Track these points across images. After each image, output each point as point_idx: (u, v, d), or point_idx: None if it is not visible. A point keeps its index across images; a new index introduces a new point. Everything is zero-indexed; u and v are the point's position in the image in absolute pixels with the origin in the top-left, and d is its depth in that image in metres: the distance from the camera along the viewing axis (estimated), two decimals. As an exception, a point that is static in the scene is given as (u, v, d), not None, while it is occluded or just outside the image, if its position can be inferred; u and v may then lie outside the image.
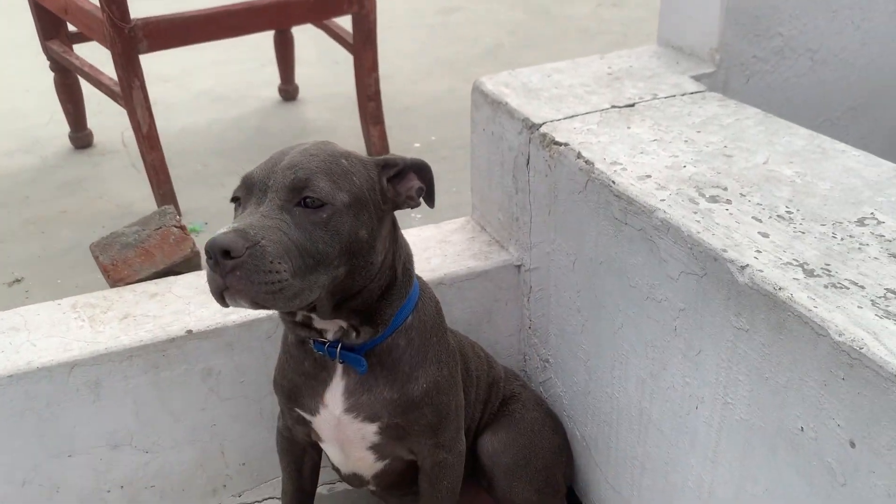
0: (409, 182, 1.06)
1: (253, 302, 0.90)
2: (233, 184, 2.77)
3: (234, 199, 1.01)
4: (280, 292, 0.90)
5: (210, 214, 2.46)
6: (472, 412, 1.32)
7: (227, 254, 0.87)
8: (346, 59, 3.67)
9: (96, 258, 1.58)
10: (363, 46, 2.55)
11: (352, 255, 0.98)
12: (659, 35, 1.71)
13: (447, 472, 1.21)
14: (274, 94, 3.40)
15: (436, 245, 1.61)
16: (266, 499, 1.54)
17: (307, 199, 0.95)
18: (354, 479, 1.25)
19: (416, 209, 1.17)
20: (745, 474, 0.98)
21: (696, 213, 1.04)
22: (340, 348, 1.07)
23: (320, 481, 1.38)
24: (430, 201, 1.09)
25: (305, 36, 3.30)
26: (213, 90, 3.52)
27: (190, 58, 3.80)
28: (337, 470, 1.27)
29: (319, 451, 1.32)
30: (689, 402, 1.07)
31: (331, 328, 1.07)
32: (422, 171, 1.07)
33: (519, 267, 1.53)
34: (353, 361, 1.08)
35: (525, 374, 1.61)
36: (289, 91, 3.36)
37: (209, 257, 0.89)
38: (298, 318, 1.06)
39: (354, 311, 1.05)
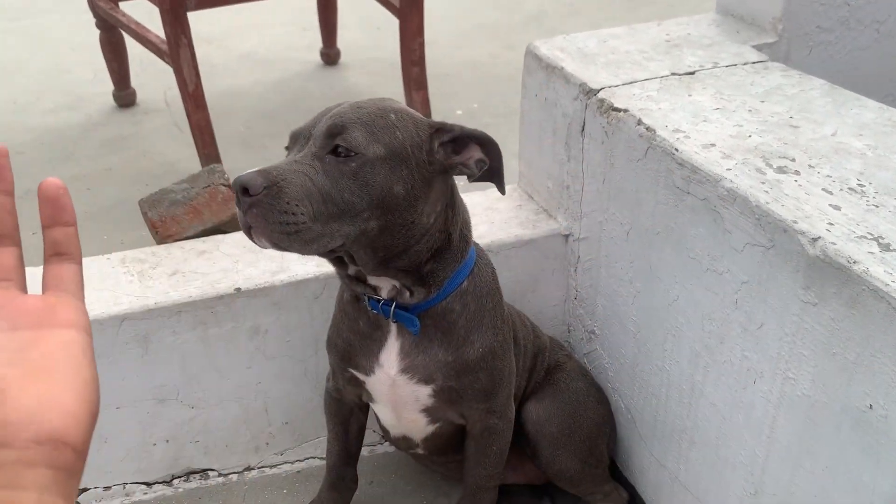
0: (469, 152, 1.03)
1: (270, 241, 0.92)
2: (275, 146, 2.78)
3: (287, 149, 1.03)
4: (296, 234, 0.91)
5: (253, 176, 2.46)
6: (518, 380, 1.31)
7: (245, 191, 0.89)
8: (386, 25, 3.64)
9: (145, 214, 1.59)
10: (409, 10, 2.51)
11: (385, 211, 0.96)
12: (718, 3, 1.66)
13: (497, 437, 1.21)
14: (315, 57, 3.38)
15: (482, 212, 1.59)
16: (307, 458, 1.56)
17: (338, 148, 0.95)
18: (403, 442, 1.25)
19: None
20: (803, 450, 0.96)
21: (763, 183, 1.01)
22: (395, 307, 1.06)
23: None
24: (500, 185, 1.06)
25: (346, 1, 3.27)
26: (256, 52, 3.51)
27: (232, 20, 3.79)
28: (385, 432, 1.27)
29: (366, 412, 1.32)
30: (746, 376, 1.05)
31: (384, 286, 1.07)
32: (487, 147, 1.03)
33: (567, 236, 1.51)
34: (405, 321, 1.08)
35: (569, 345, 1.60)
36: (330, 55, 3.33)
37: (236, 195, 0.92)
38: (352, 271, 1.06)
39: (403, 270, 1.04)
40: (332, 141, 0.95)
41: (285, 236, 0.91)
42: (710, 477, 1.18)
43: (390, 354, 1.11)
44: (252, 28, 3.76)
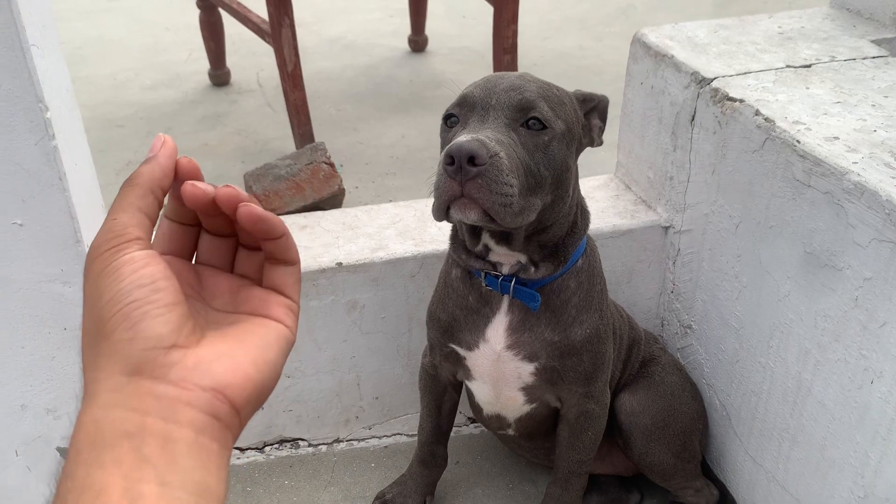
0: (593, 120, 1.06)
1: (484, 213, 0.91)
2: (366, 129, 2.82)
3: (449, 117, 1.01)
4: (510, 206, 0.91)
5: (345, 157, 2.50)
6: (612, 370, 1.31)
7: (471, 160, 0.88)
8: (474, 14, 3.65)
9: (249, 188, 1.64)
10: (504, -2, 2.51)
11: (558, 185, 0.99)
12: (833, -3, 1.61)
13: (592, 423, 1.20)
14: (402, 44, 3.41)
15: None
16: (395, 434, 1.58)
17: (531, 121, 0.95)
18: (495, 421, 1.26)
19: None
20: (924, 456, 0.93)
21: (893, 178, 0.97)
22: (514, 283, 1.07)
23: (453, 422, 1.39)
24: (600, 138, 1.12)
25: (434, -11, 3.30)
26: (345, 37, 3.56)
27: (321, 5, 3.86)
28: (478, 411, 1.28)
29: (459, 391, 1.33)
30: (863, 375, 1.02)
31: (508, 262, 1.07)
32: (602, 108, 1.07)
33: (667, 228, 1.49)
34: (526, 297, 1.08)
35: (662, 340, 1.58)
36: (418, 42, 3.36)
37: (450, 163, 0.89)
38: (478, 248, 1.06)
39: (542, 244, 1.05)
40: (526, 115, 0.96)
41: (502, 208, 0.90)
42: (813, 477, 1.15)
43: (497, 330, 1.12)
44: (342, 13, 3.82)
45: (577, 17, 3.74)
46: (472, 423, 1.60)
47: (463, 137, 0.90)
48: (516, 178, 0.91)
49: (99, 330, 0.43)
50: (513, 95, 0.96)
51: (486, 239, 1.06)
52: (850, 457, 1.06)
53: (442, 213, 0.94)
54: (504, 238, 1.03)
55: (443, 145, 1.03)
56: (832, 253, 1.05)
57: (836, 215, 1.03)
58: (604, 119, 1.10)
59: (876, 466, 1.02)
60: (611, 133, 1.62)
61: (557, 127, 0.97)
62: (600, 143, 1.13)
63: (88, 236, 1.30)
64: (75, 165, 1.25)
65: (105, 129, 2.77)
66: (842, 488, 1.09)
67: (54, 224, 1.23)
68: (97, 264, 0.44)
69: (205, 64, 3.08)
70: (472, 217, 0.92)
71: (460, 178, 0.89)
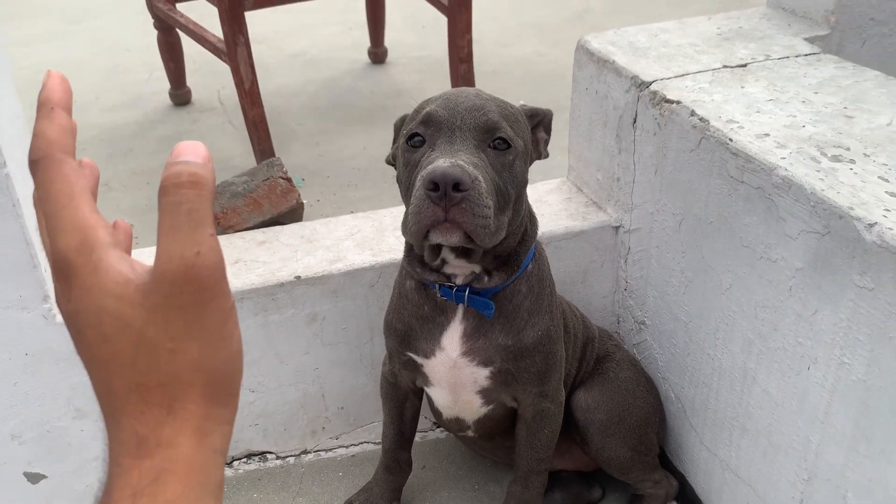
0: (539, 134, 1.10)
1: (466, 236, 0.94)
2: (327, 142, 2.83)
3: (413, 136, 1.02)
4: (487, 227, 0.95)
5: (307, 171, 2.52)
6: (567, 368, 1.34)
7: (455, 186, 0.91)
8: (432, 24, 3.69)
9: (207, 206, 1.65)
10: (458, 7, 2.55)
11: (517, 200, 1.03)
12: (769, -3, 1.67)
13: (548, 421, 1.24)
14: (363, 56, 3.44)
15: (532, 205, 1.62)
16: (362, 442, 1.60)
17: (496, 141, 0.99)
18: (455, 424, 1.29)
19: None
20: (858, 435, 0.97)
21: (818, 171, 1.02)
22: (468, 293, 1.10)
23: (417, 427, 1.42)
24: (546, 150, 1.15)
25: (392, 1, 3.32)
26: (306, 52, 3.58)
27: (281, 21, 3.87)
28: (438, 415, 1.31)
29: (420, 397, 1.36)
30: (800, 362, 1.06)
31: (462, 273, 1.10)
32: (547, 122, 1.11)
33: (617, 228, 1.53)
34: (480, 305, 1.11)
35: (618, 336, 1.62)
36: (378, 54, 3.39)
37: (432, 189, 0.91)
38: (436, 262, 1.09)
39: (496, 255, 1.09)
40: (493, 135, 0.99)
41: (483, 229, 0.94)
42: (762, 463, 1.19)
43: (453, 338, 1.15)
44: (302, 28, 3.84)
45: (535, 23, 3.79)
46: (437, 427, 1.63)
47: (443, 162, 0.92)
48: (492, 200, 0.95)
49: None
50: (478, 116, 0.99)
51: (446, 253, 1.08)
52: (793, 441, 1.10)
53: (421, 236, 0.96)
54: (464, 252, 1.06)
55: (406, 165, 1.03)
56: (766, 246, 1.09)
57: (768, 209, 1.07)
58: (548, 132, 1.15)
59: (817, 449, 1.06)
60: (564, 138, 1.67)
61: (518, 145, 1.01)
62: (546, 156, 1.16)
63: (45, 262, 1.31)
64: (29, 192, 1.26)
65: (66, 153, 2.76)
66: (788, 472, 1.13)
67: (10, 251, 1.24)
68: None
69: (166, 84, 3.09)
70: (454, 240, 0.95)
71: (444, 204, 0.91)
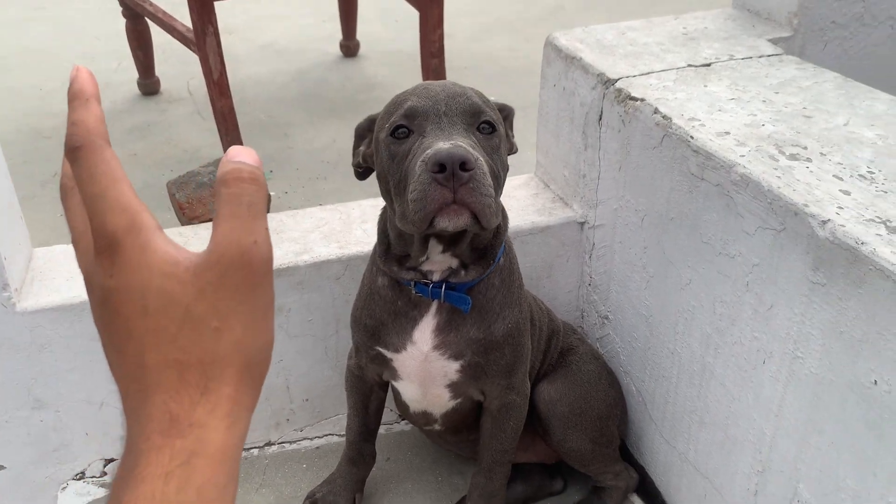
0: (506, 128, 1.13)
1: (474, 217, 0.94)
2: (297, 133, 2.82)
3: (398, 128, 1.01)
4: (491, 207, 0.95)
5: (275, 163, 2.51)
6: (532, 361, 1.35)
7: (462, 165, 0.90)
8: (405, 18, 3.68)
9: (172, 196, 1.64)
10: (430, 3, 2.55)
11: (499, 186, 1.03)
12: (735, -2, 1.69)
13: (513, 413, 1.25)
14: (335, 49, 3.43)
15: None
16: (326, 434, 1.60)
17: (482, 125, 1.00)
18: (422, 418, 1.29)
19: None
20: (810, 427, 1.00)
21: (776, 169, 1.04)
22: (445, 288, 1.10)
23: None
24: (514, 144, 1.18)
25: (366, -7, 3.32)
26: (276, 43, 3.56)
27: (253, 11, 3.85)
28: (404, 409, 1.31)
29: (385, 390, 1.36)
30: (756, 356, 1.08)
31: (439, 268, 1.10)
32: (511, 118, 1.16)
33: (582, 224, 1.55)
34: (457, 301, 1.11)
35: (582, 330, 1.63)
36: (350, 47, 3.38)
37: (439, 171, 0.90)
38: (423, 258, 1.08)
39: (475, 247, 1.10)
40: (479, 119, 1.00)
41: (489, 209, 0.94)
42: (719, 456, 1.21)
43: (425, 332, 1.15)
44: (273, 19, 3.82)
45: (508, 19, 3.80)
46: (402, 420, 1.63)
47: (443, 144, 0.91)
48: (492, 180, 0.96)
49: None
50: (462, 101, 1.00)
51: (432, 247, 1.07)
52: (748, 434, 1.13)
53: (426, 224, 0.94)
54: (451, 244, 1.06)
55: (392, 158, 1.01)
56: (725, 241, 1.11)
57: (727, 206, 1.09)
58: (511, 127, 1.17)
59: (771, 442, 1.08)
60: (534, 134, 1.68)
61: (501, 129, 1.04)
62: (516, 150, 1.17)
63: (4, 251, 1.29)
64: (-12, 178, 1.24)
65: (31, 141, 2.72)
66: (743, 464, 1.15)
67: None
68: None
69: (135, 73, 3.05)
70: (462, 222, 0.94)
71: (452, 185, 0.91)
